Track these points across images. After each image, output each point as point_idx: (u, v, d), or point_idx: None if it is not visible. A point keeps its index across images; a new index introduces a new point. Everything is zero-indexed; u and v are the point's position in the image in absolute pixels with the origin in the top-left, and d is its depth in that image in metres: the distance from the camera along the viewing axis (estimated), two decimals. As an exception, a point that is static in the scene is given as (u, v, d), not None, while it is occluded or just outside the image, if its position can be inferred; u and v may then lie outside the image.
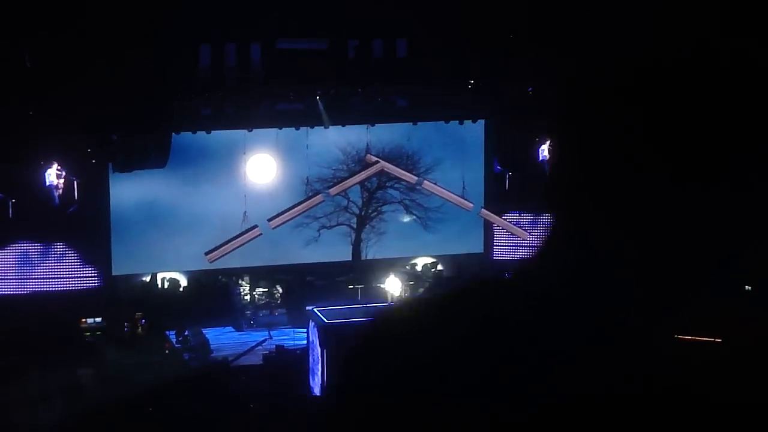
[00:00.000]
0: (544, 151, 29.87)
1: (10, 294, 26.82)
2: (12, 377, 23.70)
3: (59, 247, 27.22)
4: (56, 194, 27.09)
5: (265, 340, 27.59)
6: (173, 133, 27.45)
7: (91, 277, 27.51)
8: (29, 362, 24.47)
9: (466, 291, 2.65)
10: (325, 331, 23.48)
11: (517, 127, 29.66)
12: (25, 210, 26.81)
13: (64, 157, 26.92)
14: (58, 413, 21.89)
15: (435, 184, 29.36)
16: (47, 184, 27.04)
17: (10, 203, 26.71)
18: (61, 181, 26.97)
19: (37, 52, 25.59)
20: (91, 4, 25.32)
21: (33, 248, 27.09)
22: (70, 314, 27.02)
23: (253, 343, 27.18)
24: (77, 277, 27.39)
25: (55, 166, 27.02)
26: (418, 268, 30.45)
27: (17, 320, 26.14)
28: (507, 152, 29.90)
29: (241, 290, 29.12)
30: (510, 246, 29.98)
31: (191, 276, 29.02)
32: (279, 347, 25.82)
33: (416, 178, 29.34)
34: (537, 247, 2.68)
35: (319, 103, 28.16)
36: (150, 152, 27.06)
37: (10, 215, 26.71)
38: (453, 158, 29.93)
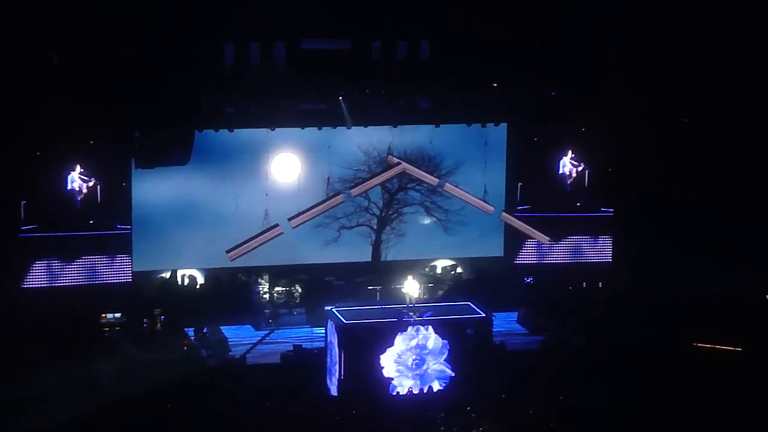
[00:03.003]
0: (566, 165, 29.77)
1: (36, 287, 26.89)
2: (32, 370, 23.79)
3: (81, 243, 27.26)
4: (78, 198, 27.05)
5: (272, 331, 27.64)
6: (196, 131, 27.49)
7: (113, 273, 27.55)
8: (50, 355, 24.56)
9: None
10: (343, 332, 23.50)
11: (537, 133, 29.59)
12: (45, 212, 26.73)
13: (87, 157, 26.83)
14: (76, 407, 21.94)
15: (456, 186, 29.31)
16: (69, 188, 27.03)
17: (22, 205, 26.59)
18: (85, 185, 26.87)
19: (63, 50, 25.66)
20: (115, 3, 25.40)
21: (56, 245, 27.11)
22: (92, 309, 27.09)
23: (268, 341, 27.20)
24: (99, 273, 27.42)
25: (78, 168, 27.00)
26: (438, 270, 30.41)
27: (42, 313, 26.23)
28: (523, 161, 29.80)
29: (261, 289, 29.12)
30: (533, 250, 29.89)
31: (211, 273, 29.05)
32: (297, 347, 25.82)
33: (437, 180, 29.30)
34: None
35: (342, 103, 28.16)
36: (173, 149, 27.09)
37: (22, 217, 26.62)
38: (475, 161, 29.88)
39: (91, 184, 26.96)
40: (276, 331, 27.77)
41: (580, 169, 29.58)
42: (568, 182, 29.71)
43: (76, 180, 26.99)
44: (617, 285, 29.36)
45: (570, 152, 29.62)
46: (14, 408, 21.78)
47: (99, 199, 27.13)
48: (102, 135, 26.77)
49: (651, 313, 27.35)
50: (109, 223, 27.43)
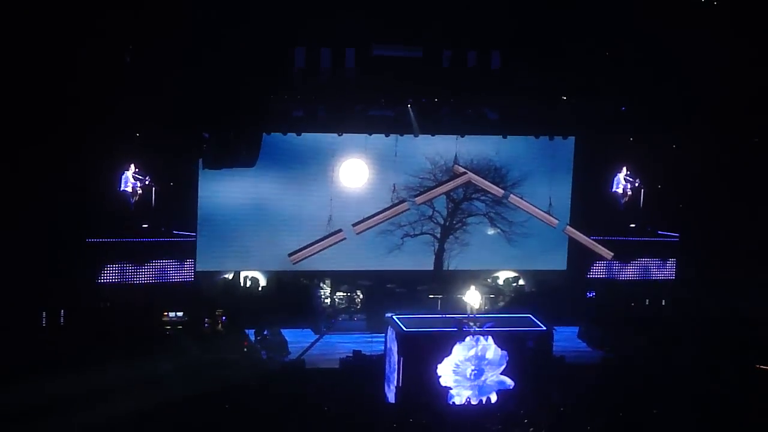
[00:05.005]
0: (620, 181, 29.45)
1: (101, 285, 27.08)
2: (92, 367, 24.02)
3: (144, 249, 27.35)
4: (132, 201, 27.06)
5: (323, 336, 27.69)
6: (264, 134, 27.63)
7: (176, 273, 27.71)
8: (112, 352, 24.78)
9: None
10: (403, 340, 23.48)
11: (604, 147, 29.35)
12: (99, 213, 26.57)
13: (148, 158, 26.73)
14: (135, 404, 22.11)
15: (521, 198, 29.23)
16: (122, 189, 26.89)
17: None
18: (138, 183, 26.76)
19: (137, 50, 25.84)
20: (188, 4, 25.58)
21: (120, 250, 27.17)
22: (154, 307, 27.27)
23: (327, 345, 27.23)
24: (162, 273, 27.57)
25: (132, 168, 26.96)
26: (500, 281, 30.31)
27: (105, 311, 26.46)
28: (590, 176, 29.57)
29: (322, 293, 29.21)
30: (602, 267, 29.61)
31: (273, 276, 29.18)
32: (356, 352, 25.84)
33: (503, 191, 29.23)
34: None
35: (410, 111, 28.17)
36: (240, 151, 27.24)
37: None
38: (541, 174, 29.76)
39: (146, 182, 26.91)
40: (335, 336, 27.82)
41: (636, 185, 29.22)
42: (622, 201, 29.41)
43: (129, 180, 26.91)
44: (681, 303, 29.08)
45: (624, 169, 29.30)
46: (77, 403, 22.01)
47: (153, 201, 27.12)
48: (168, 136, 26.84)
49: (714, 333, 27.06)
50: (165, 226, 27.39)
